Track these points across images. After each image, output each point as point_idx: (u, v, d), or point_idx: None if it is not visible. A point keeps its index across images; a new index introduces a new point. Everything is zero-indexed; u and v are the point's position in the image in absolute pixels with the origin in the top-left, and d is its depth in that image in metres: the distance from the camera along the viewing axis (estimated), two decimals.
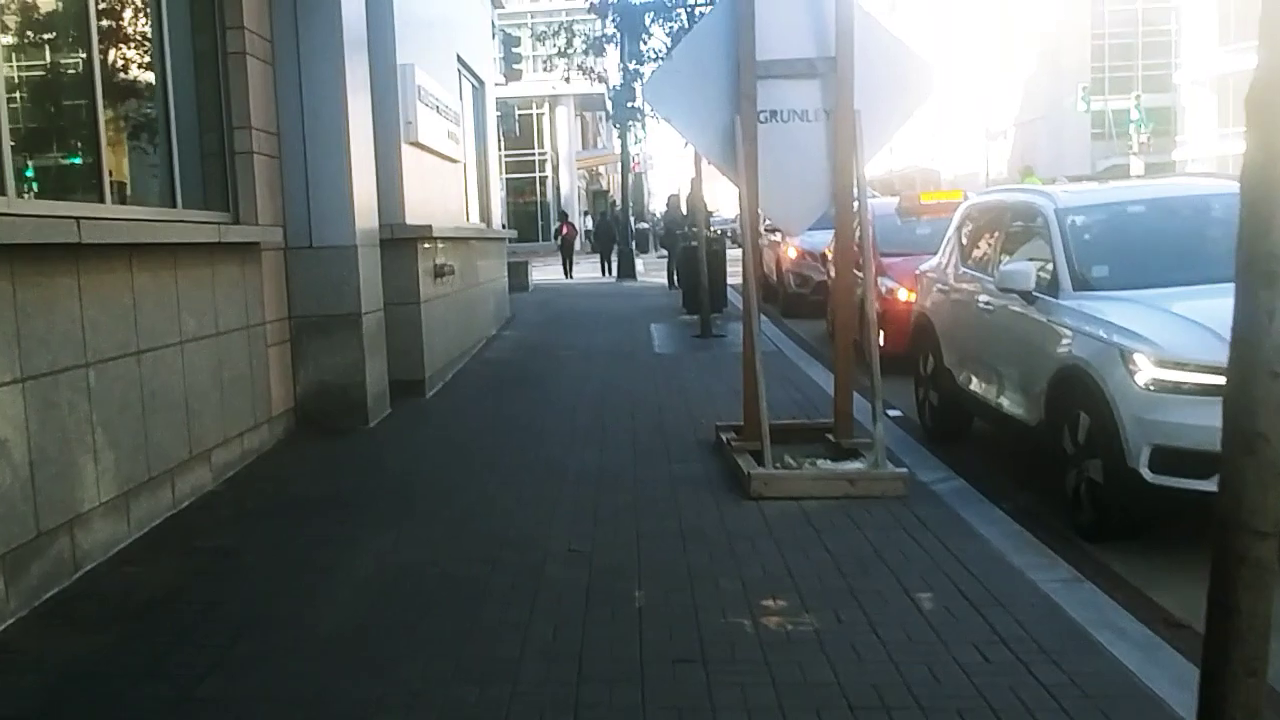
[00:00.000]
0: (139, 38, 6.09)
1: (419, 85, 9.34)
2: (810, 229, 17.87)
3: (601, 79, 25.81)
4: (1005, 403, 6.40)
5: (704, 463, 6.65)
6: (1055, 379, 5.55)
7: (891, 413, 8.10)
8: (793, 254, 15.80)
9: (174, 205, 6.13)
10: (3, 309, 4.03)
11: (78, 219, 4.47)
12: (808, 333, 13.70)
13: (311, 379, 7.74)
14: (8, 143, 4.34)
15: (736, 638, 3.86)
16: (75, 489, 4.48)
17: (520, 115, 44.49)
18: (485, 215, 14.42)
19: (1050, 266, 6.11)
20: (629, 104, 23.82)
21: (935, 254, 8.45)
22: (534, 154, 47.84)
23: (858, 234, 6.68)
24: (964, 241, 7.79)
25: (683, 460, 6.73)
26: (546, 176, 48.21)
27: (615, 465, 6.61)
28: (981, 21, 62.64)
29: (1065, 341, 5.54)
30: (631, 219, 27.64)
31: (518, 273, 20.70)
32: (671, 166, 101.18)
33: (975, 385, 6.93)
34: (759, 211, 6.83)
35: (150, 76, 6.13)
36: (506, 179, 46.14)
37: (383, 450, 7.19)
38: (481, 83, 14.48)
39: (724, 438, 6.89)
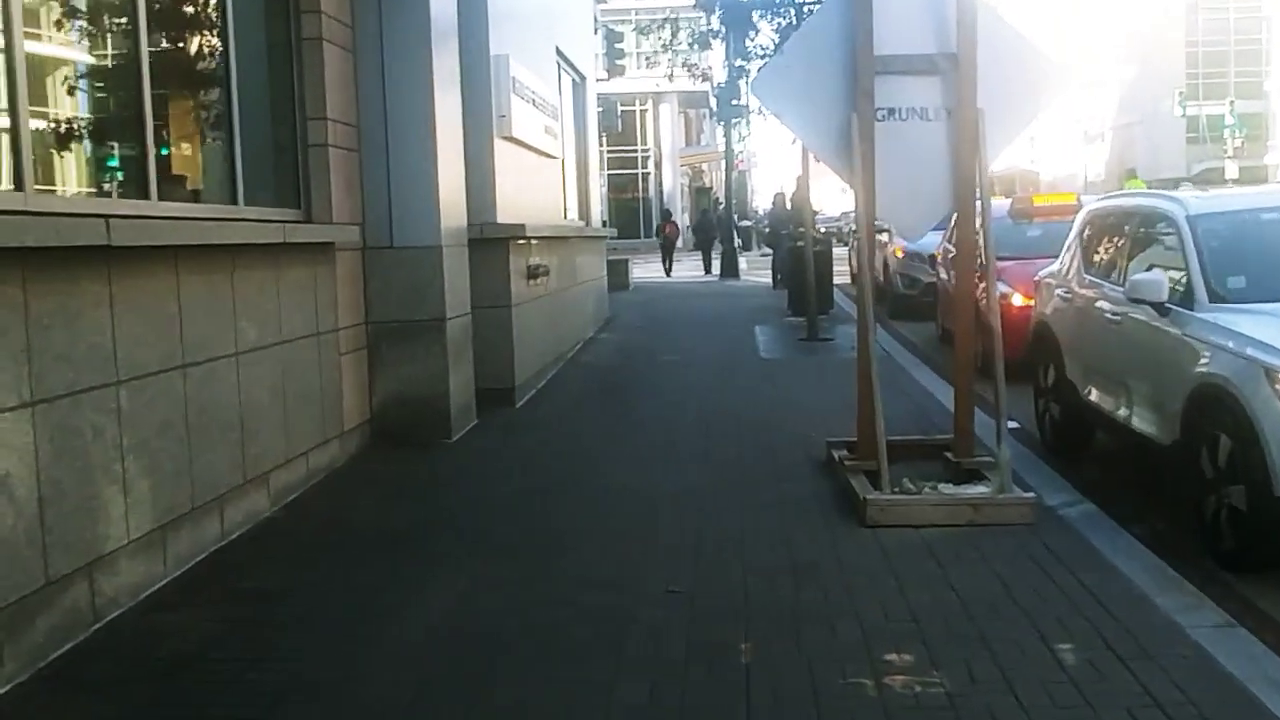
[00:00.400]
0: (198, 18, 5.58)
1: (514, 77, 8.74)
2: (934, 227, 16.70)
3: (705, 77, 25.08)
4: (1135, 420, 5.86)
5: (815, 483, 5.96)
6: (1192, 397, 5.09)
7: (1009, 424, 7.30)
8: (900, 255, 14.86)
9: (234, 202, 5.60)
10: (10, 321, 3.48)
11: (107, 217, 3.92)
12: (917, 336, 12.77)
13: (390, 389, 7.19)
14: (27, 133, 3.81)
15: (858, 703, 3.28)
16: (98, 526, 3.92)
17: (623, 111, 43.94)
18: (584, 213, 13.82)
19: (1182, 276, 5.60)
20: (733, 101, 23.05)
21: (1047, 258, 7.94)
22: (636, 150, 47.30)
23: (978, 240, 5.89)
24: (1087, 247, 7.12)
25: (792, 480, 6.04)
26: (649, 173, 47.64)
27: (720, 487, 5.91)
28: (1075, 26, 61.27)
29: (1203, 357, 5.11)
30: (734, 217, 26.76)
31: (618, 271, 20.09)
32: (776, 164, 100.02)
33: (1101, 399, 6.32)
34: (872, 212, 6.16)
35: (211, 61, 5.62)
36: (608, 175, 45.79)
37: (462, 469, 6.58)
38: (583, 77, 13.88)
39: (836, 455, 6.17)
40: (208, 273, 4.93)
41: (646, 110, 47.01)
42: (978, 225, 6.02)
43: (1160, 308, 5.55)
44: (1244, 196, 7.09)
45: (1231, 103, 46.52)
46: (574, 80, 13.56)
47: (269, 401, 5.58)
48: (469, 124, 8.03)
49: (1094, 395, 6.31)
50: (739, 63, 21.69)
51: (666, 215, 33.74)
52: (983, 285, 9.28)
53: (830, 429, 6.92)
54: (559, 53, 11.98)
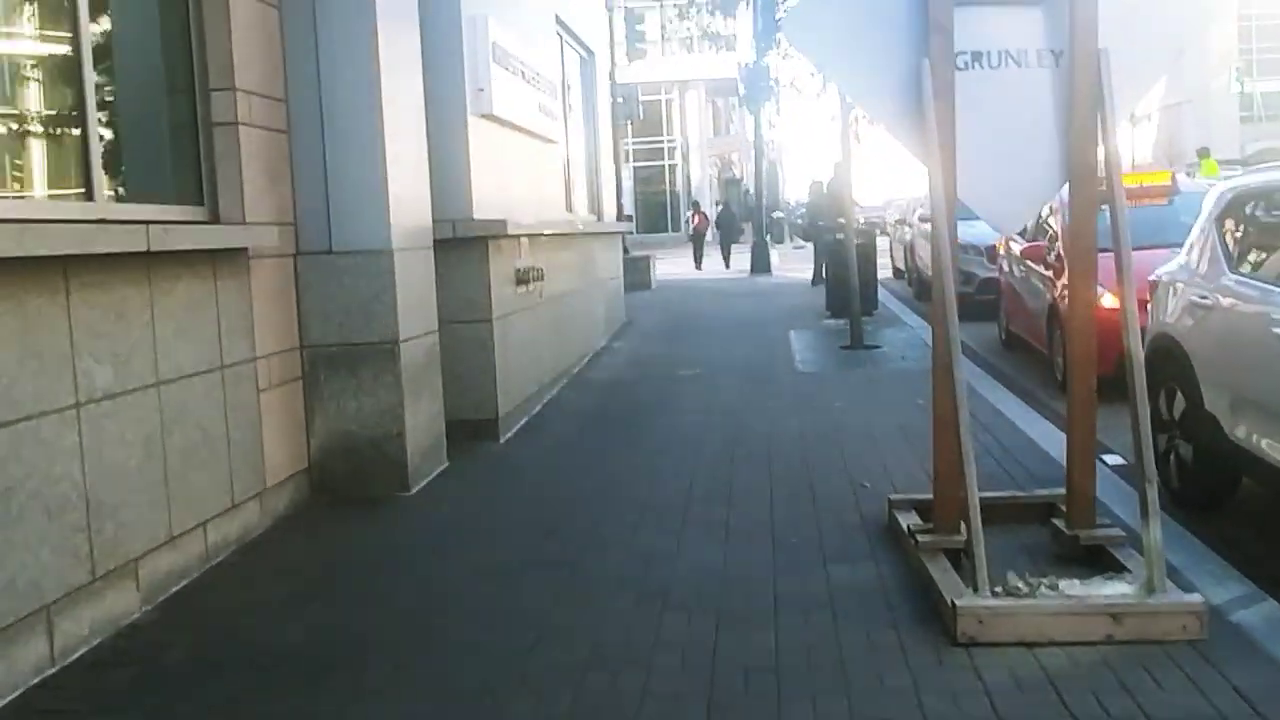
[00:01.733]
0: None
1: (495, 43, 7.26)
2: (971, 217, 15.12)
3: (729, 46, 23.41)
4: None
5: (876, 564, 4.41)
6: None
7: (1109, 459, 5.77)
8: None
9: (88, 198, 4.16)
10: None
11: None
12: (975, 340, 11.15)
13: (332, 431, 5.75)
14: None
15: None
16: None
17: (648, 101, 42.40)
18: (595, 206, 12.32)
19: None
20: (762, 83, 21.44)
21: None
22: (663, 141, 45.75)
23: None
24: (1230, 239, 5.42)
25: (845, 559, 4.49)
26: (676, 164, 46.07)
27: (745, 570, 4.39)
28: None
29: None
30: (764, 207, 25.11)
31: (637, 269, 18.61)
32: (808, 152, 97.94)
33: (1262, 442, 4.60)
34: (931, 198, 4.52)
35: (48, 5, 4.18)
36: (634, 168, 44.33)
37: (417, 538, 5.11)
38: (590, 52, 12.36)
39: (904, 523, 4.61)
40: (21, 296, 3.50)
41: (673, 100, 45.49)
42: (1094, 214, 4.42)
43: None
44: None
45: None
46: (580, 56, 12.06)
47: (138, 463, 4.14)
48: (434, 98, 6.58)
49: (1249, 435, 4.68)
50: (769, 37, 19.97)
51: (695, 205, 33.19)
52: (1061, 283, 7.70)
53: (889, 474, 5.45)
54: (560, 22, 10.49)
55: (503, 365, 7.16)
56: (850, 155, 10.55)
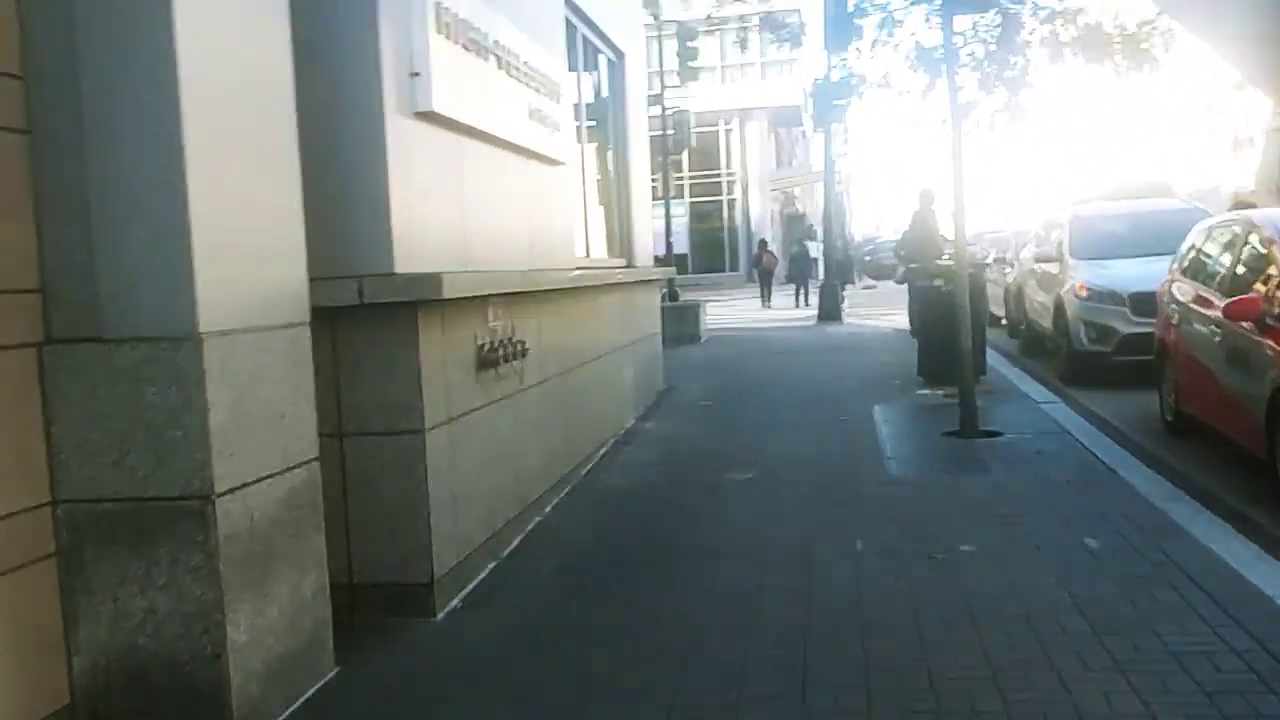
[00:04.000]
0: None
1: (442, 5, 4.84)
2: (1106, 256, 11.88)
3: (793, 41, 20.61)
4: None
5: None
6: None
7: None
8: (1084, 294, 10.43)
9: None
10: None
11: None
12: (1123, 416, 8.43)
13: (108, 645, 3.30)
14: None
15: None
16: None
17: (704, 132, 40.03)
18: (623, 247, 9.84)
19: None
20: (834, 98, 18.88)
21: None
22: (721, 175, 43.26)
23: None
24: None
25: None
26: (735, 199, 43.50)
27: None
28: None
29: None
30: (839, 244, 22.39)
31: (683, 320, 16.06)
32: (876, 186, 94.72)
33: None
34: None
35: None
36: (690, 203, 41.87)
37: None
38: (620, 54, 9.90)
39: None
40: None
41: (732, 130, 43.01)
42: None
43: None
44: None
45: None
46: (608, 59, 9.63)
47: None
48: (331, 86, 4.18)
49: None
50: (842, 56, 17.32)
51: (763, 244, 31.88)
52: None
53: (1067, 683, 2.84)
54: (573, 7, 8.07)
55: (447, 497, 4.67)
56: (964, 171, 7.90)
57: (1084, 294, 10.33)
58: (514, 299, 5.69)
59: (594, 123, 9.22)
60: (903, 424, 8.52)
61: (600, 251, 9.01)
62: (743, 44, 15.89)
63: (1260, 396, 5.74)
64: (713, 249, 42.71)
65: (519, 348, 5.60)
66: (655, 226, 16.49)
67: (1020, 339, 13.72)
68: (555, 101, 6.89)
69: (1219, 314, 6.68)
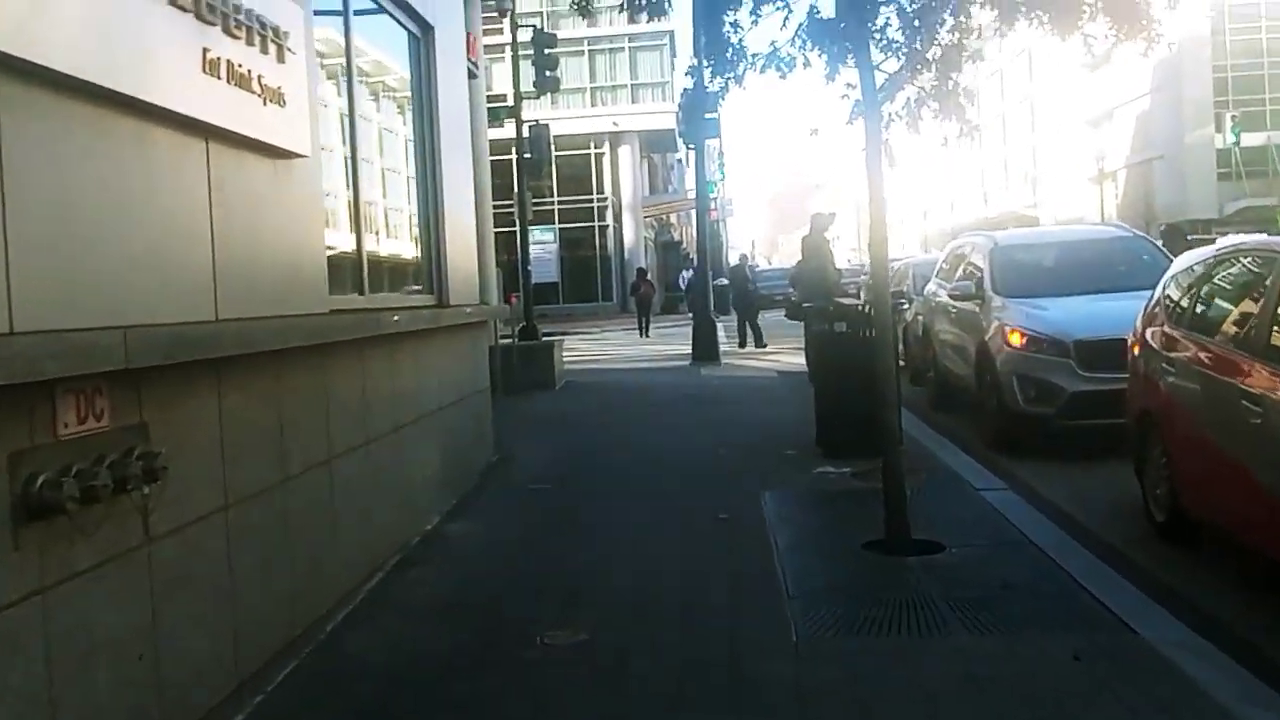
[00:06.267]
0: None
1: None
2: (1038, 294, 9.11)
3: (653, 10, 18.25)
4: None
5: None
6: None
7: None
8: (1020, 343, 8.29)
9: None
10: None
11: None
12: (1099, 514, 6.29)
13: None
14: None
15: None
16: None
17: (572, 156, 37.76)
18: (433, 281, 7.33)
19: None
20: (705, 114, 16.85)
21: None
22: (593, 200, 41.03)
23: None
24: None
25: None
26: (608, 225, 41.31)
27: None
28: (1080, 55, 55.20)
29: None
30: (710, 274, 19.80)
31: (536, 363, 13.56)
32: (752, 215, 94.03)
33: None
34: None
35: None
36: (560, 229, 39.53)
37: None
38: (426, 27, 7.41)
39: None
40: None
41: (603, 153, 40.92)
42: None
43: None
44: None
45: None
46: (404, 27, 7.13)
47: None
48: None
49: None
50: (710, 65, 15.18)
51: (642, 274, 29.76)
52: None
53: None
54: None
55: None
56: (882, 181, 5.66)
57: (1020, 342, 8.21)
58: (149, 376, 3.19)
59: (380, 112, 6.75)
60: (804, 525, 6.21)
61: (389, 287, 6.51)
62: (583, 10, 13.50)
63: None
64: (585, 277, 40.43)
65: (139, 466, 3.08)
66: (502, 257, 13.89)
67: (929, 390, 11.40)
68: (277, 60, 4.41)
69: (1261, 387, 4.58)
